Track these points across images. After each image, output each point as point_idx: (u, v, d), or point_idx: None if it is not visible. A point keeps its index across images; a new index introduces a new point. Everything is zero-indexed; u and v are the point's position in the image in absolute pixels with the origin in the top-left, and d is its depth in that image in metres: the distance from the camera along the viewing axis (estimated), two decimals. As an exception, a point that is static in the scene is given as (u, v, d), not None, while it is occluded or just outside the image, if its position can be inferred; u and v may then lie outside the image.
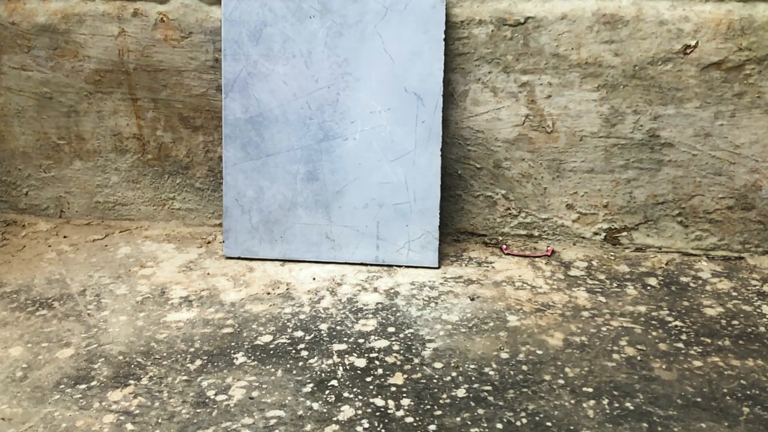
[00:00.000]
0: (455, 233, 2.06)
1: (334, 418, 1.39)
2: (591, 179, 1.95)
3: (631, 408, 1.40)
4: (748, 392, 1.44)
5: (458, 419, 1.38)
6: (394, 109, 1.87)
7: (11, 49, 2.12)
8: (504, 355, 1.57)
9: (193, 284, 1.90)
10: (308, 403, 1.44)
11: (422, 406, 1.42)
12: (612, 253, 1.98)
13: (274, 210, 1.97)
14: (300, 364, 1.56)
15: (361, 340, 1.63)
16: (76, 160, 2.22)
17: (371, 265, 1.95)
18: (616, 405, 1.41)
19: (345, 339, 1.64)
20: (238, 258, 2.01)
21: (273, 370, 1.54)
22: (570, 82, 1.86)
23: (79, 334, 1.70)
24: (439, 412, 1.40)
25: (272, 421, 1.39)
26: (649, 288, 1.82)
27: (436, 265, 1.93)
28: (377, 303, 1.78)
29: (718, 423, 1.36)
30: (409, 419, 1.38)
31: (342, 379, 1.50)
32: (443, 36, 1.83)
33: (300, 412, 1.41)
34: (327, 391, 1.47)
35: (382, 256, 1.94)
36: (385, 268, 1.93)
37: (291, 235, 1.97)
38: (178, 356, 1.60)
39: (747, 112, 1.81)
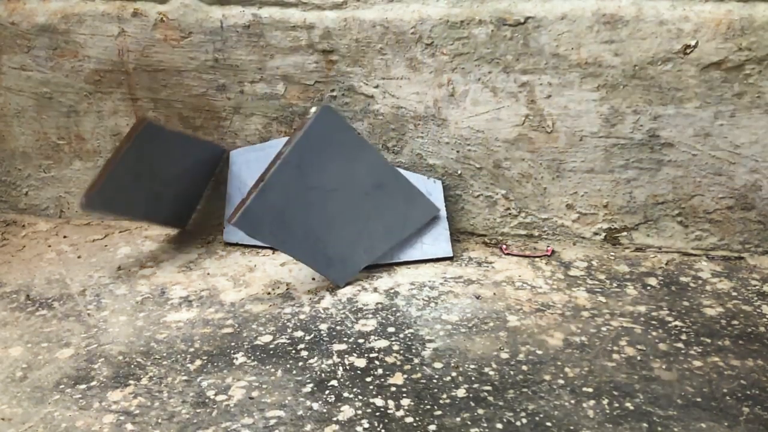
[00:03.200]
0: (455, 233, 2.06)
1: (334, 418, 1.39)
2: (591, 179, 1.95)
3: (631, 408, 1.40)
4: (748, 392, 1.44)
5: (458, 419, 1.38)
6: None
7: (11, 49, 2.12)
8: (504, 355, 1.57)
9: (193, 284, 1.90)
10: (308, 403, 1.44)
11: (422, 406, 1.42)
12: (612, 253, 1.98)
13: None
14: (300, 364, 1.56)
15: (361, 340, 1.63)
16: (76, 160, 2.22)
17: (388, 265, 1.95)
18: (616, 405, 1.41)
19: (345, 339, 1.64)
20: (237, 244, 2.06)
21: (273, 370, 1.54)
22: (570, 82, 1.86)
23: (79, 334, 1.70)
24: (439, 412, 1.40)
25: (272, 421, 1.39)
26: (649, 288, 1.82)
27: (450, 254, 1.95)
28: (377, 303, 1.78)
29: (718, 423, 1.36)
30: (409, 419, 1.38)
31: (342, 379, 1.50)
32: None
33: (300, 412, 1.41)
34: (327, 391, 1.47)
35: (397, 254, 1.95)
36: (386, 268, 1.93)
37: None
38: (178, 356, 1.60)
39: (747, 112, 1.81)
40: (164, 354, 1.61)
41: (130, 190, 1.91)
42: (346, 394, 1.46)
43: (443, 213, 1.98)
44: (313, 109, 1.73)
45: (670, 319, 1.69)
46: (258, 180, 1.72)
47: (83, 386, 1.51)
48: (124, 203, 1.91)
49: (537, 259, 1.97)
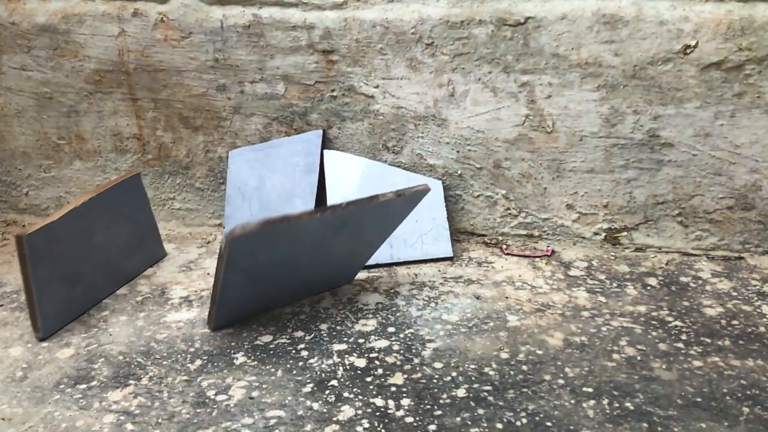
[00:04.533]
0: (455, 233, 2.06)
1: (334, 418, 1.39)
2: (591, 179, 1.95)
3: (631, 408, 1.40)
4: (748, 392, 1.44)
5: (458, 419, 1.38)
6: None
7: (11, 49, 2.12)
8: (504, 355, 1.57)
9: (193, 284, 1.90)
10: (308, 403, 1.44)
11: (422, 406, 1.42)
12: (612, 253, 1.98)
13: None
14: (300, 364, 1.56)
15: (361, 340, 1.63)
16: (76, 160, 2.22)
17: (387, 265, 1.95)
18: (616, 405, 1.41)
19: (345, 339, 1.64)
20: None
21: (273, 370, 1.54)
22: (570, 82, 1.86)
23: (79, 333, 1.70)
24: (439, 412, 1.40)
25: (272, 421, 1.39)
26: (649, 288, 1.82)
27: (450, 254, 1.96)
28: (377, 303, 1.78)
29: (718, 423, 1.36)
30: (409, 419, 1.38)
31: (342, 379, 1.50)
32: None
33: (300, 412, 1.41)
34: (327, 391, 1.47)
35: (396, 254, 1.94)
36: (386, 268, 1.93)
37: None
38: (178, 356, 1.60)
39: (747, 112, 1.81)
40: (164, 354, 1.61)
41: (75, 301, 1.74)
42: (346, 394, 1.46)
43: (443, 213, 1.97)
44: (222, 241, 1.49)
45: (670, 319, 1.69)
46: (213, 288, 1.61)
47: (83, 386, 1.51)
48: (76, 308, 1.75)
49: (537, 259, 1.97)
